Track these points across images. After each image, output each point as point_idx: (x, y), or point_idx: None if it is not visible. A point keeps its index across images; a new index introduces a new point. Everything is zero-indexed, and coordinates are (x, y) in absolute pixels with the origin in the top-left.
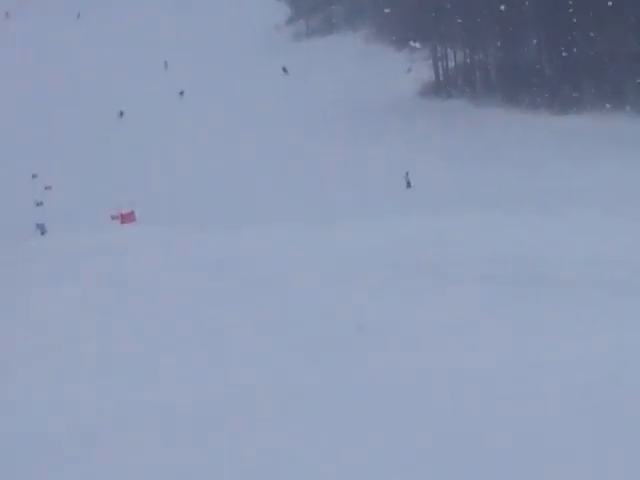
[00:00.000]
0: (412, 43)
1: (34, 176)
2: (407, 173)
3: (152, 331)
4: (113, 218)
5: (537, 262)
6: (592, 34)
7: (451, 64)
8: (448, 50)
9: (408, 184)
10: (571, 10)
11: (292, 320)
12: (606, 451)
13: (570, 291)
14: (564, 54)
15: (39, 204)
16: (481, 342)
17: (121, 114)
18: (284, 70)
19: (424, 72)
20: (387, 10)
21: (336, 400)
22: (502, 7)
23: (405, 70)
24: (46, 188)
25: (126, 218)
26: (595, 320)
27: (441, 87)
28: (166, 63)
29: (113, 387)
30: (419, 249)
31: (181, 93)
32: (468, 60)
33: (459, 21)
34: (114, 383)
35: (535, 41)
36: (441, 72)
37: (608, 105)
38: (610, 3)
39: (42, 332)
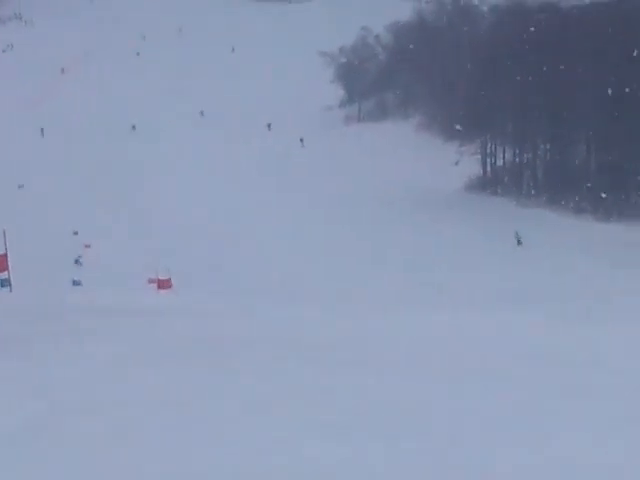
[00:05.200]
0: (457, 127)
1: (75, 233)
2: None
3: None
4: (150, 282)
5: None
6: None
7: (499, 161)
8: (497, 147)
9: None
10: (620, 116)
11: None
12: None
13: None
14: (611, 159)
15: (77, 261)
16: None
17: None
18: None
19: (472, 166)
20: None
21: None
22: (554, 109)
23: (453, 163)
24: (86, 246)
25: (163, 284)
26: None
27: (487, 183)
28: (202, 112)
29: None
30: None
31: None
32: (517, 159)
33: (510, 119)
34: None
35: (585, 145)
36: (489, 168)
37: None
38: None
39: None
